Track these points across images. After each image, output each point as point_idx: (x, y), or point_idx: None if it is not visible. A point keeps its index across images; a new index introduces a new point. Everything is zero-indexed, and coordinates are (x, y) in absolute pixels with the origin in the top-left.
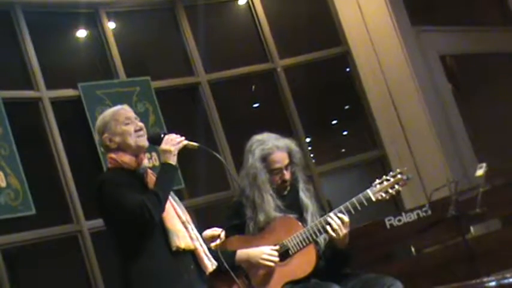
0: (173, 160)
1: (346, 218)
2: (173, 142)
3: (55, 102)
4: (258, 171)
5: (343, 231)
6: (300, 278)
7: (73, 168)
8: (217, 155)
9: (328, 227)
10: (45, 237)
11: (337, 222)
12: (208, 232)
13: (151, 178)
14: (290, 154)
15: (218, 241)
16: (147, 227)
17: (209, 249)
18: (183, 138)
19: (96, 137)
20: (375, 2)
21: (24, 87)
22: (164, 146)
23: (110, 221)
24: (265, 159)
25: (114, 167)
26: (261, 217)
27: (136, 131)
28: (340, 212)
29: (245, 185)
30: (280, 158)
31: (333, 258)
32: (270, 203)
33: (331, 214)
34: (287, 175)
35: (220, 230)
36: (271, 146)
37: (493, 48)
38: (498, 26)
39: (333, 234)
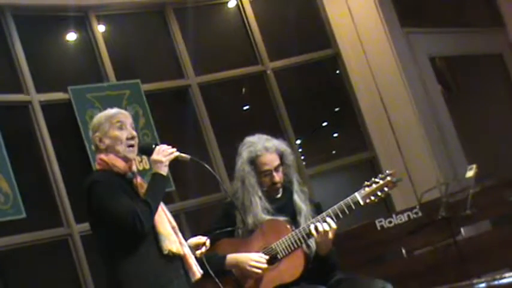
0: (164, 171)
1: (332, 224)
2: (165, 153)
3: (45, 106)
4: (246, 174)
5: (329, 236)
6: (289, 282)
7: (63, 172)
8: (208, 167)
9: (313, 231)
10: (36, 241)
11: (325, 228)
12: (193, 240)
13: (141, 184)
14: (281, 156)
15: (204, 249)
16: (135, 235)
17: (194, 257)
18: (175, 149)
19: (90, 134)
20: (364, 5)
21: (14, 90)
22: (156, 156)
23: (98, 223)
24: (253, 161)
25: (102, 169)
26: (250, 220)
27: (128, 138)
28: (329, 216)
29: (237, 187)
30: (269, 160)
31: (319, 263)
32: (258, 206)
33: (319, 218)
34: (277, 177)
35: (206, 238)
36: (260, 148)
37: (482, 49)
38: (487, 28)
39: (317, 237)
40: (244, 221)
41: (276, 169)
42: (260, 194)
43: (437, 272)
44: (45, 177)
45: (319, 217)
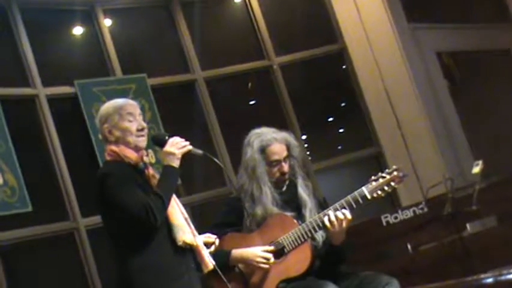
0: (176, 163)
1: (348, 214)
2: (178, 145)
3: (51, 100)
4: (257, 163)
5: (343, 225)
6: (295, 277)
7: (69, 165)
8: (221, 164)
9: (326, 220)
10: (42, 234)
11: (339, 217)
12: (202, 238)
13: (153, 175)
14: (288, 147)
15: (213, 248)
16: (149, 228)
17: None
18: (188, 143)
19: (97, 124)
20: (371, 0)
21: (20, 84)
22: (169, 148)
23: (111, 216)
24: (263, 150)
25: (114, 160)
26: (259, 210)
27: (138, 130)
28: (336, 209)
29: (244, 180)
30: (279, 150)
31: (328, 255)
32: (268, 196)
33: (331, 211)
34: (285, 167)
35: (215, 237)
36: (270, 138)
37: (489, 45)
38: (494, 23)
39: (330, 226)
40: (252, 213)
41: (285, 160)
42: (269, 184)
43: (442, 268)
44: (51, 171)
45: (326, 211)
